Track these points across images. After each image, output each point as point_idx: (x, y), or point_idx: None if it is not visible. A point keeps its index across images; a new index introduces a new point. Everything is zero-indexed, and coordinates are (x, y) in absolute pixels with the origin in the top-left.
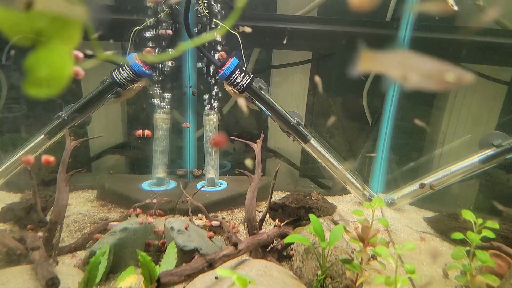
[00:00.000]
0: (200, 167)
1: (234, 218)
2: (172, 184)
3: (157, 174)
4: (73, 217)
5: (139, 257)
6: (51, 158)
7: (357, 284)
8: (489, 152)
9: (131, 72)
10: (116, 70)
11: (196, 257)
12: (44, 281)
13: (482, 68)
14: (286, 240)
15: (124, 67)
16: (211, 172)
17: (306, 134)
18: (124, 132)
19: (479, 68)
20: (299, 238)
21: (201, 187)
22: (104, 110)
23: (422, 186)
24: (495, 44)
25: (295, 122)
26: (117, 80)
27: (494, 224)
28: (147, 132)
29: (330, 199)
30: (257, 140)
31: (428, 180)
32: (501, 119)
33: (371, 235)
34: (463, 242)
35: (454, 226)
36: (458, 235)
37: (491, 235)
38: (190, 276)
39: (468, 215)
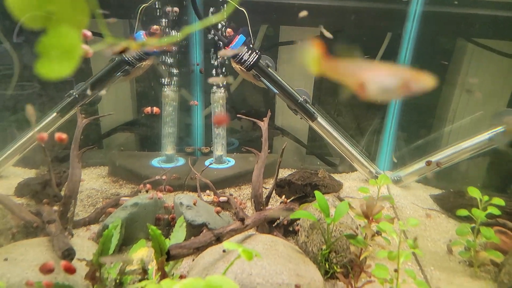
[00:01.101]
0: (208, 145)
1: (242, 194)
2: (181, 161)
3: (166, 151)
4: (86, 192)
5: (149, 230)
6: (64, 136)
7: (360, 259)
8: (500, 129)
9: (139, 50)
10: None
11: (204, 231)
12: (60, 252)
13: (496, 44)
14: (292, 216)
15: None
16: (219, 149)
17: (313, 112)
18: (133, 109)
19: (492, 43)
20: (305, 214)
21: (209, 164)
22: (114, 89)
23: (428, 163)
24: (509, 18)
25: (302, 100)
26: (126, 58)
27: (499, 201)
28: (155, 109)
29: (336, 176)
30: (263, 118)
31: (436, 157)
32: None
33: (376, 212)
34: (468, 219)
35: (461, 203)
36: (463, 212)
37: (496, 212)
38: (198, 249)
39: (474, 192)
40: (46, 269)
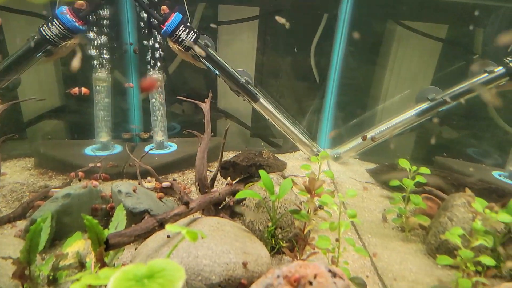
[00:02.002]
0: (147, 130)
1: (186, 179)
2: (118, 148)
3: (100, 138)
4: (10, 186)
5: (84, 221)
6: None
7: (305, 232)
8: (424, 105)
9: (62, 28)
10: (44, 25)
11: (146, 217)
12: None
13: (420, 25)
14: (238, 195)
15: (54, 22)
16: (159, 134)
17: (256, 93)
18: (60, 94)
19: (416, 25)
20: (250, 193)
21: (149, 150)
22: (36, 71)
23: (364, 138)
24: (431, 1)
25: (244, 81)
26: (47, 36)
27: (425, 170)
28: (84, 89)
29: (280, 156)
30: (205, 100)
31: (371, 133)
32: (436, 75)
33: (317, 186)
34: (400, 189)
35: (393, 175)
36: (395, 182)
37: (423, 180)
38: (140, 237)
39: (404, 163)
40: None
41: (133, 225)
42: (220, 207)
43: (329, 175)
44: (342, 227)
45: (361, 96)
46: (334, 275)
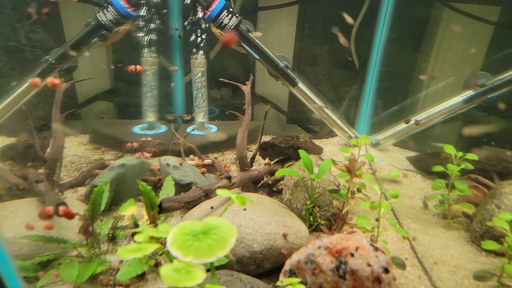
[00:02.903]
0: (189, 112)
1: (225, 159)
2: (163, 128)
3: (147, 118)
4: (69, 158)
5: (139, 186)
6: (56, 81)
7: (343, 212)
8: (472, 92)
9: (116, 13)
10: (100, 11)
11: (193, 187)
12: (53, 206)
13: (470, 8)
14: (277, 173)
15: (108, 9)
16: (201, 116)
17: (294, 78)
18: (111, 78)
19: (466, 7)
20: (290, 171)
21: (191, 130)
22: (90, 56)
23: (407, 121)
24: None
25: (283, 65)
26: (102, 22)
27: (473, 156)
28: (138, 67)
29: (317, 142)
30: (246, 82)
31: (414, 117)
32: (486, 60)
33: (358, 167)
34: (442, 176)
35: (435, 163)
36: (438, 168)
37: (470, 166)
38: (188, 204)
39: (449, 149)
40: (45, 214)
41: (181, 193)
42: (258, 185)
43: (369, 158)
44: (383, 207)
45: (403, 83)
46: (376, 249)
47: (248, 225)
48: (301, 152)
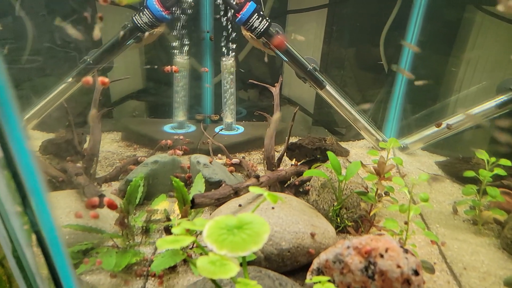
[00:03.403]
0: (217, 113)
1: (252, 159)
2: (192, 127)
3: (177, 117)
4: (103, 154)
5: (173, 182)
6: (106, 80)
7: (370, 214)
8: (505, 96)
9: (151, 16)
10: (137, 15)
11: (223, 184)
12: (97, 197)
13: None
14: (305, 174)
15: (144, 12)
16: (229, 117)
17: (322, 80)
18: (143, 78)
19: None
20: (318, 172)
21: (220, 130)
22: (123, 58)
23: (438, 125)
24: None
25: (311, 68)
26: (138, 24)
27: (506, 161)
28: (174, 67)
29: (343, 144)
30: (275, 84)
31: (445, 121)
32: None
33: (387, 169)
34: (473, 182)
35: (465, 168)
36: (470, 173)
37: (502, 173)
38: (219, 200)
39: (481, 154)
40: (91, 204)
41: (212, 190)
42: (285, 185)
43: (398, 162)
44: (412, 210)
45: (433, 86)
46: (406, 251)
47: (277, 223)
48: (330, 153)
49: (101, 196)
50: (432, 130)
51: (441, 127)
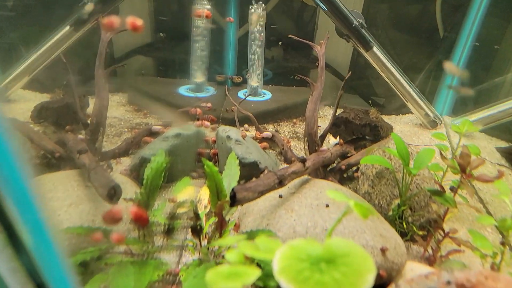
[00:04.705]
0: (240, 74)
1: (282, 132)
2: (211, 90)
3: (195, 79)
4: (108, 120)
5: (205, 167)
6: (139, 23)
7: (444, 220)
8: None
9: None
10: None
11: (265, 171)
12: (105, 189)
13: None
14: (363, 161)
15: None
16: (255, 80)
17: (369, 40)
18: (151, 30)
19: None
20: (379, 160)
21: (246, 96)
22: (131, 4)
23: None
24: None
25: (357, 23)
26: None
27: None
28: (206, 12)
29: (384, 118)
30: (320, 42)
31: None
32: None
33: (475, 165)
34: None
35: None
36: None
37: None
38: (262, 193)
39: None
40: (112, 218)
41: (254, 178)
42: (328, 170)
43: (474, 151)
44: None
45: (499, 58)
46: None
47: (337, 230)
48: (394, 135)
49: (114, 188)
50: (498, 109)
51: None
